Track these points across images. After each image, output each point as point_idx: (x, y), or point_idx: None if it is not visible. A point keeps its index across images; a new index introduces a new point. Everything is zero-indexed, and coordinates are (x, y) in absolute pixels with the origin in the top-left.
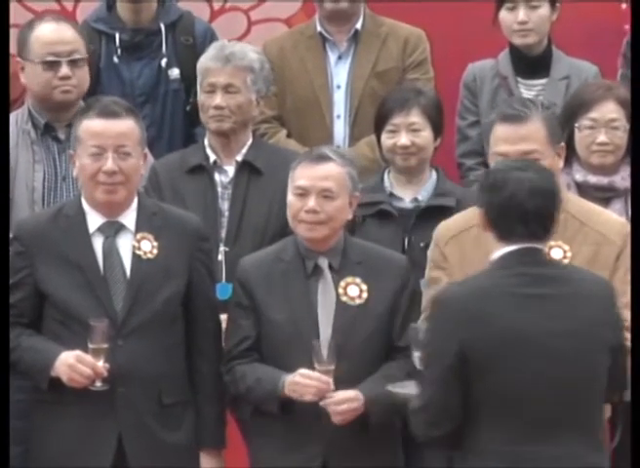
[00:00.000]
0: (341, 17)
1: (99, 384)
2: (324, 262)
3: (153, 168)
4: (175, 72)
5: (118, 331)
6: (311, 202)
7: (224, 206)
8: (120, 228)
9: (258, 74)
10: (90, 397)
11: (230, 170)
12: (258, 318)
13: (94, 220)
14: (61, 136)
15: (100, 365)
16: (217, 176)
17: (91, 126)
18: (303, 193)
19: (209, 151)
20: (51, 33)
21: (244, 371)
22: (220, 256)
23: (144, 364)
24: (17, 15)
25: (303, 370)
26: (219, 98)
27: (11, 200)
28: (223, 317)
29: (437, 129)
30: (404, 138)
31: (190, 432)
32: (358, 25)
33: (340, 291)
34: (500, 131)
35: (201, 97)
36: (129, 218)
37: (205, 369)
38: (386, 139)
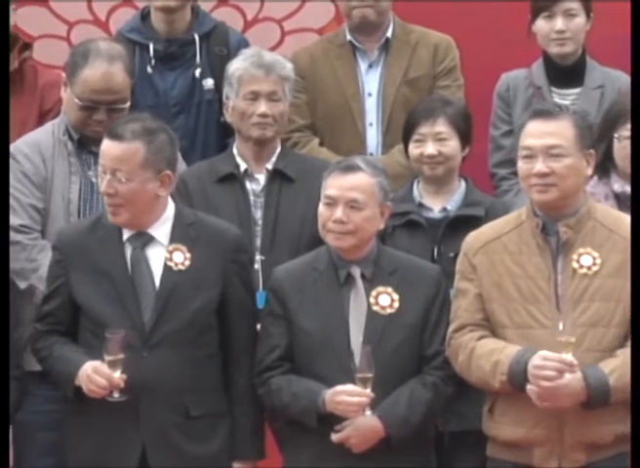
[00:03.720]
0: (370, 27)
1: (116, 395)
2: (356, 271)
3: (182, 178)
4: (209, 83)
5: (144, 342)
6: (339, 212)
7: (257, 214)
8: (149, 240)
9: (291, 83)
10: (115, 407)
11: (261, 178)
12: (289, 327)
13: (127, 232)
14: (96, 149)
15: (117, 376)
16: (248, 185)
17: (102, 145)
18: (332, 203)
19: (239, 160)
20: (100, 79)
21: (279, 385)
22: (257, 265)
23: (170, 375)
24: (48, 24)
25: (343, 387)
26: (263, 106)
27: (47, 211)
28: (259, 326)
29: (465, 138)
30: (430, 148)
31: (222, 444)
32: (389, 34)
33: (372, 300)
34: (530, 126)
35: (240, 104)
36: (161, 230)
37: (241, 381)
38: (413, 149)
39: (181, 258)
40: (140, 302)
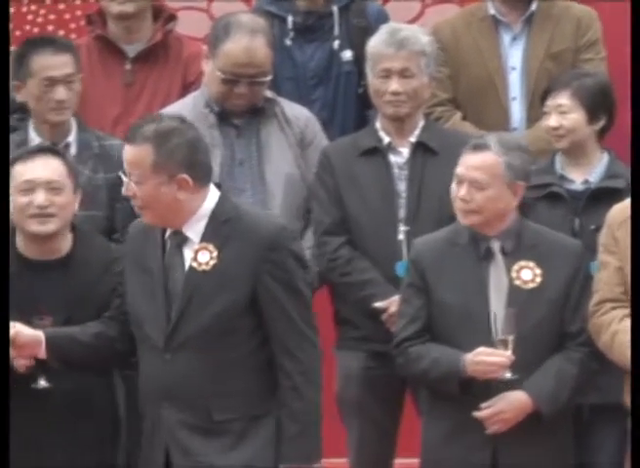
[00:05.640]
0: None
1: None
2: (496, 245)
3: (324, 152)
4: (347, 54)
5: (167, 344)
6: (462, 191)
7: (401, 186)
8: (184, 239)
9: (429, 57)
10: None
11: (405, 151)
12: (429, 299)
13: (169, 230)
14: (237, 121)
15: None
16: (391, 158)
17: None
18: (459, 181)
19: (382, 133)
20: (242, 53)
21: (418, 353)
22: (401, 236)
23: (192, 379)
24: None
25: (483, 348)
26: (395, 84)
27: None
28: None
29: (594, 112)
30: (552, 120)
31: (259, 448)
32: (533, 7)
33: (514, 274)
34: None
35: (374, 82)
36: (195, 228)
37: (285, 383)
38: (543, 121)
39: (207, 258)
40: (171, 304)
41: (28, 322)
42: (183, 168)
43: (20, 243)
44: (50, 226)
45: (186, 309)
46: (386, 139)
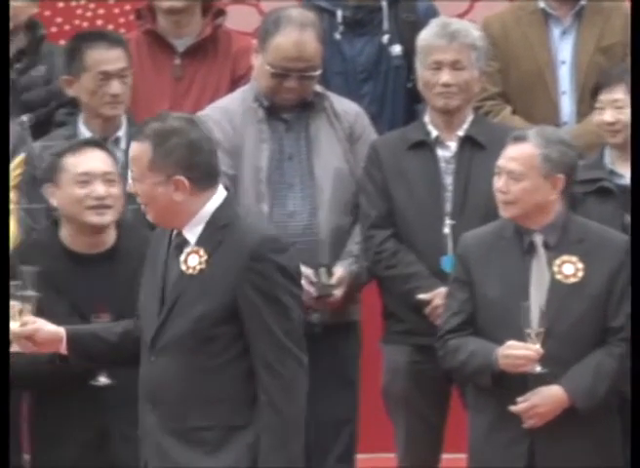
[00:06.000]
0: None
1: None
2: (539, 239)
3: (373, 146)
4: (396, 49)
5: (151, 346)
6: (500, 182)
7: (448, 180)
8: (184, 241)
9: (480, 51)
10: None
11: (452, 145)
12: (473, 293)
13: (175, 230)
14: (286, 116)
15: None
16: (439, 151)
17: None
18: (498, 172)
19: (430, 127)
20: (292, 47)
21: (457, 345)
22: (447, 229)
23: (170, 383)
24: None
25: (512, 342)
26: (446, 76)
27: (237, 178)
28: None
29: None
30: (607, 115)
31: (238, 457)
32: (583, 1)
33: (555, 269)
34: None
35: (425, 74)
36: (193, 231)
37: (263, 397)
38: (595, 116)
39: (195, 262)
40: (164, 306)
41: (85, 319)
42: (180, 169)
43: (66, 236)
44: (107, 217)
45: (171, 312)
46: (434, 133)
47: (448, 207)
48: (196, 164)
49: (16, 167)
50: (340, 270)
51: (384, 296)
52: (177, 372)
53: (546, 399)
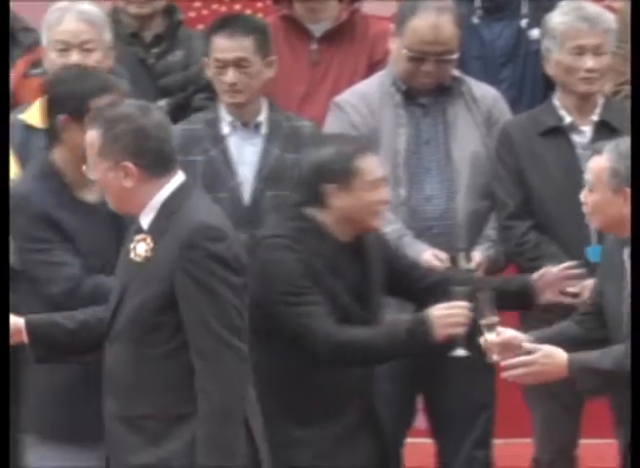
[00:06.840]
0: None
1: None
2: (626, 253)
3: (504, 128)
4: (535, 33)
5: (107, 333)
6: (583, 192)
7: (586, 168)
8: (139, 228)
9: (614, 34)
10: None
11: (587, 130)
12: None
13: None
14: (424, 100)
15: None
16: (575, 137)
17: None
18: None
19: (562, 112)
20: (428, 30)
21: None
22: None
23: (118, 370)
24: None
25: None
26: (590, 61)
27: None
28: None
29: None
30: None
31: (171, 448)
32: None
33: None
34: None
35: (566, 59)
36: (147, 219)
37: (196, 385)
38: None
39: (142, 250)
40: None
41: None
42: (128, 155)
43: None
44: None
45: (119, 301)
46: (568, 119)
47: None
48: (145, 150)
49: None
50: (478, 255)
51: None
52: (125, 360)
53: (548, 358)
